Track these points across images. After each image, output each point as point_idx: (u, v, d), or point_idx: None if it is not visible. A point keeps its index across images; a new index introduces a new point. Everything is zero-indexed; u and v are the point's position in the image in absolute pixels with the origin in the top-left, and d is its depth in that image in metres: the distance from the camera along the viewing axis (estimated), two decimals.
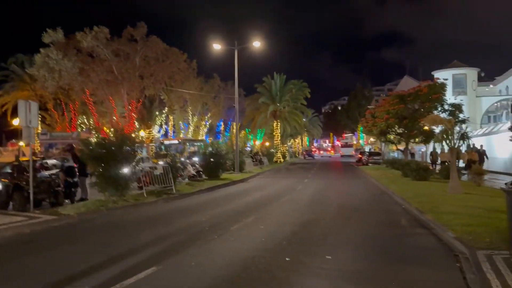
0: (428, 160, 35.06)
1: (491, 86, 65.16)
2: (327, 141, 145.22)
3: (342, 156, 78.21)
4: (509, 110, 48.77)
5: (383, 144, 72.58)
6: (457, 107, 24.17)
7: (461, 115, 24.48)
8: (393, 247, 7.84)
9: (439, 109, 24.33)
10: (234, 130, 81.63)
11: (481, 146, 22.26)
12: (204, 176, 22.40)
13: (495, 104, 59.96)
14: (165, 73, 46.75)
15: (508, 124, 33.89)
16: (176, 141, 44.07)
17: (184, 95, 54.42)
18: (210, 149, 22.50)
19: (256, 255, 6.99)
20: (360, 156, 45.11)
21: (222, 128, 79.48)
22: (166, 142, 48.10)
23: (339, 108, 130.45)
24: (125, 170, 13.08)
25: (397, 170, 26.29)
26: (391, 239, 8.47)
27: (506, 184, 6.94)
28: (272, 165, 40.32)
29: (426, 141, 26.37)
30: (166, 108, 53.51)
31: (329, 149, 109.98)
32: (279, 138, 46.19)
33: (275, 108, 44.48)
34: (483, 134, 37.40)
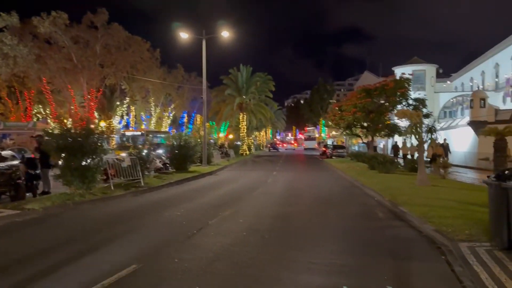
0: (390, 153, 36.09)
1: (448, 82, 67.79)
2: (289, 134, 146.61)
3: (305, 149, 79.11)
4: (468, 105, 51.00)
5: (345, 137, 74.00)
6: (421, 102, 24.84)
7: (424, 110, 25.18)
8: (376, 239, 7.83)
9: (404, 103, 24.90)
10: (198, 122, 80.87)
11: (445, 140, 23.02)
12: (171, 169, 21.87)
13: (451, 100, 62.42)
14: (127, 62, 45.32)
15: (466, 119, 35.30)
16: (138, 133, 42.72)
17: (147, 85, 53.00)
18: (178, 141, 21.90)
19: (241, 250, 6.75)
20: (324, 149, 45.66)
21: (185, 120, 78.30)
22: (128, 133, 46.57)
23: (302, 102, 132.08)
24: (92, 162, 12.41)
25: (362, 163, 26.78)
26: (373, 232, 8.46)
27: (488, 177, 7.05)
28: (238, 157, 40.06)
29: (390, 135, 26.96)
30: (128, 98, 51.89)
31: (292, 142, 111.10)
32: (245, 131, 45.93)
33: (242, 100, 44.13)
34: (441, 129, 38.84)
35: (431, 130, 15.75)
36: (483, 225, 8.10)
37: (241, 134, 45.74)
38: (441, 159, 19.16)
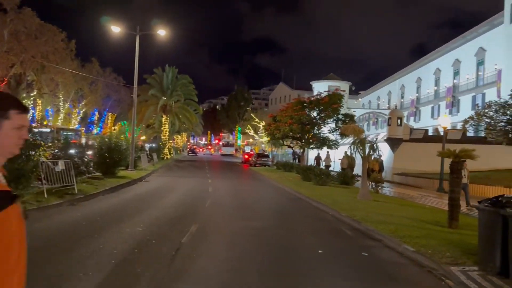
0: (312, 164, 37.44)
1: (359, 99, 72.66)
2: (203, 138, 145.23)
3: (222, 155, 78.58)
4: (374, 121, 54.83)
5: (266, 146, 75.00)
6: (351, 117, 25.96)
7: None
8: (365, 262, 7.65)
9: (335, 117, 25.79)
10: (109, 121, 76.16)
11: (380, 156, 24.10)
12: (96, 173, 19.95)
13: (360, 117, 66.91)
14: (38, 52, 41.05)
15: (381, 135, 37.75)
16: (47, 129, 38.60)
17: (57, 78, 48.56)
18: (108, 143, 20.08)
19: (245, 280, 6.07)
20: (246, 156, 45.66)
21: (96, 118, 73.38)
22: (34, 130, 42.03)
23: (218, 107, 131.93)
24: (26, 164, 10.65)
25: (294, 173, 27.18)
26: (356, 253, 8.27)
27: (479, 202, 7.26)
28: (161, 161, 38.29)
29: (320, 147, 27.70)
30: (35, 91, 47.01)
31: (209, 147, 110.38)
32: (167, 134, 44.15)
33: (166, 102, 42.39)
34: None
35: (373, 146, 16.34)
36: (460, 247, 8.40)
37: (163, 137, 43.87)
38: (376, 174, 20.04)
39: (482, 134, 25.79)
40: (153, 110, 43.27)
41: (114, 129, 56.64)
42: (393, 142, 32.70)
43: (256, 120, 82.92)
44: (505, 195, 6.96)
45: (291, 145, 29.57)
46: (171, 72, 44.00)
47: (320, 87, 63.87)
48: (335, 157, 31.91)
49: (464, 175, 14.27)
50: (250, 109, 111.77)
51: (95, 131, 68.28)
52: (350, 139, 31.47)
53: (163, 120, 43.50)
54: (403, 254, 8.28)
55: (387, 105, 64.68)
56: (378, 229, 10.10)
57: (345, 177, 21.84)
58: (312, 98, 25.36)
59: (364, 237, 9.86)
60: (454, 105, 46.05)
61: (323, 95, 25.67)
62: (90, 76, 52.59)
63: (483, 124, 24.00)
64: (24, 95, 44.45)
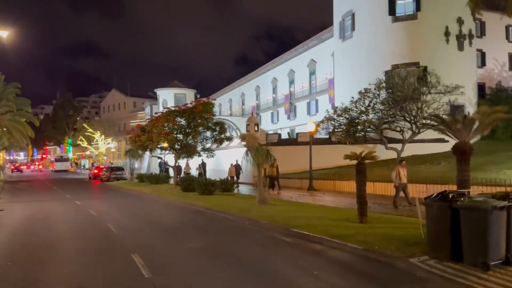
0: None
1: None
2: (21, 154, 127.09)
3: (56, 171, 69.76)
4: (228, 126, 56.82)
5: (106, 158, 70.01)
6: (221, 125, 26.43)
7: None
8: (353, 267, 8.00)
9: (206, 125, 25.85)
10: None
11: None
12: None
13: None
14: None
15: (235, 142, 39.38)
16: None
17: None
18: None
19: None
20: (96, 171, 41.83)
21: None
22: None
23: (41, 117, 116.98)
24: None
25: (164, 185, 26.21)
26: (319, 261, 8.54)
27: (426, 198, 8.37)
28: None
29: (190, 156, 27.35)
30: None
31: (38, 163, 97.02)
32: None
33: None
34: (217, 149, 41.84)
35: (268, 154, 17.03)
36: (395, 240, 9.38)
37: None
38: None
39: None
40: None
41: None
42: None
43: (90, 130, 76.73)
44: (446, 191, 8.22)
45: (160, 156, 28.45)
46: None
47: (165, 95, 63.13)
48: (195, 165, 32.02)
49: (404, 175, 14.99)
50: (80, 118, 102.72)
51: None
52: (223, 148, 31.94)
53: None
54: (360, 254, 8.79)
55: (229, 112, 67.68)
56: (312, 232, 10.57)
57: (226, 184, 22.16)
58: (186, 108, 24.98)
59: (306, 242, 10.20)
60: (291, 111, 50.89)
61: (192, 104, 25.50)
62: None
63: (331, 127, 27.06)
64: None
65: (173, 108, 26.26)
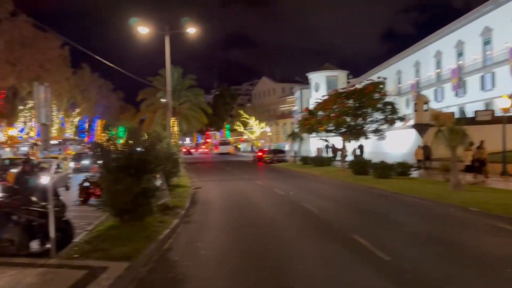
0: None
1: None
2: (187, 139, 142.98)
3: (219, 154, 76.75)
4: None
5: (263, 141, 73.81)
6: (392, 105, 25.13)
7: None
8: None
9: (379, 106, 24.82)
10: (99, 128, 73.47)
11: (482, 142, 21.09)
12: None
13: None
14: (34, 61, 38.57)
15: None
16: (55, 141, 36.32)
17: (53, 87, 46.06)
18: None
19: None
20: (260, 154, 44.33)
21: (86, 126, 70.84)
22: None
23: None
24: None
25: (330, 167, 26.14)
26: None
27: None
28: None
29: (358, 138, 26.69)
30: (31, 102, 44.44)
31: (203, 147, 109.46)
32: (177, 137, 42.44)
33: (174, 104, 40.62)
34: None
35: (464, 133, 15.43)
36: None
37: (173, 141, 42.01)
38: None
39: None
40: (161, 113, 41.45)
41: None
42: (420, 128, 32.19)
43: (245, 116, 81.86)
44: None
45: (326, 138, 28.64)
46: (176, 72, 42.24)
47: (317, 78, 63.34)
48: (351, 147, 31.24)
49: None
50: (236, 105, 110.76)
51: (86, 139, 65.66)
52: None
53: (171, 123, 41.76)
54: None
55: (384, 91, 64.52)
56: None
57: (404, 167, 21.05)
58: (355, 89, 24.51)
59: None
60: (460, 86, 46.01)
61: (361, 84, 24.81)
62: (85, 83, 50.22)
63: None
64: (21, 107, 41.89)
65: (341, 90, 25.93)
